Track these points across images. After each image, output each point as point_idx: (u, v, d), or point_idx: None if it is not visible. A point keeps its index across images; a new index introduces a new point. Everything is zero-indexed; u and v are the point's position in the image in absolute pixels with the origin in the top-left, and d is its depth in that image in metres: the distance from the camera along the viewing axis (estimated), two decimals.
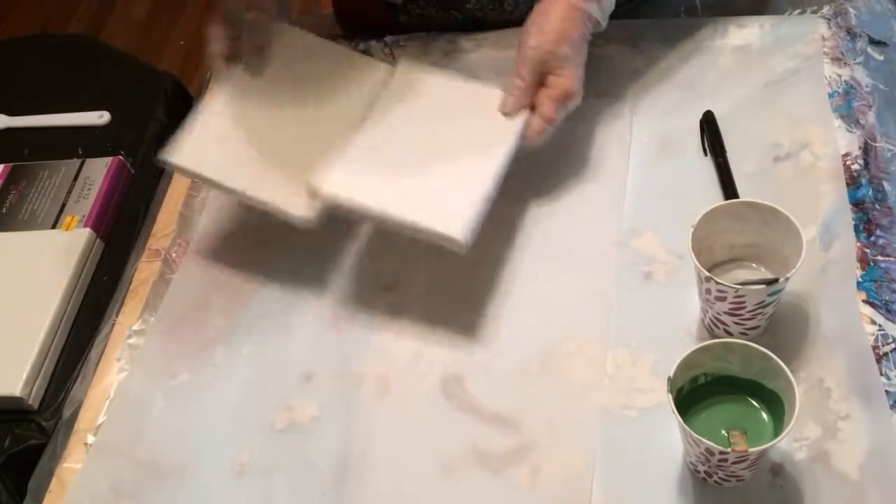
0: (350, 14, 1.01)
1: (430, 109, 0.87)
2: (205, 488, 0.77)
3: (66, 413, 0.84)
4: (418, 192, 0.81)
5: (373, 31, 1.05)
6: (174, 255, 0.93)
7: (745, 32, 0.96)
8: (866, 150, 0.85)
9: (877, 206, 0.81)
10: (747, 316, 0.73)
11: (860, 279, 0.77)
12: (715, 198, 0.84)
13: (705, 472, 0.68)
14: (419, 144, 0.84)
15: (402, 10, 1.04)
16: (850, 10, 0.95)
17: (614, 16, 0.89)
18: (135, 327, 0.88)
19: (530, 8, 0.88)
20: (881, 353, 0.73)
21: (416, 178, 0.82)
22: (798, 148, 0.86)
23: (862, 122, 0.86)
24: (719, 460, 0.65)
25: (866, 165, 0.84)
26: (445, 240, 0.78)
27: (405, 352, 0.82)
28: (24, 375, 0.89)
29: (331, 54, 0.92)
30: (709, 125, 0.89)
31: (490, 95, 0.87)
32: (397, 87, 0.89)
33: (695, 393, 0.69)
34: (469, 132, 0.85)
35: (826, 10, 0.96)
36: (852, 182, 0.83)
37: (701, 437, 0.63)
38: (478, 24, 1.02)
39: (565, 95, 0.85)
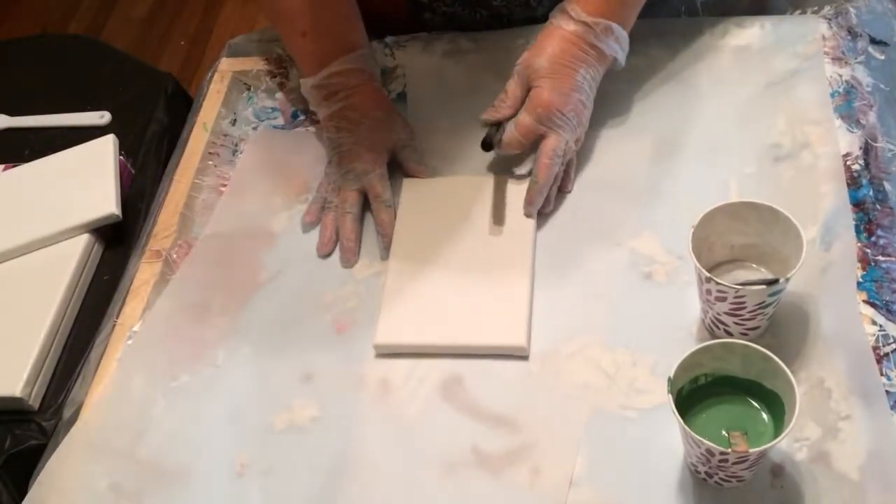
0: (369, 13, 0.99)
1: (446, 218, 0.88)
2: (205, 489, 0.77)
3: (67, 413, 0.84)
4: (466, 313, 0.81)
5: (386, 29, 1.03)
6: (175, 255, 0.92)
7: (745, 32, 0.96)
8: (867, 150, 0.85)
9: (877, 206, 0.81)
10: (748, 316, 0.73)
11: (861, 279, 0.77)
12: (715, 198, 0.84)
13: (706, 472, 0.68)
14: (449, 261, 0.85)
15: (428, 8, 1.03)
16: (851, 9, 0.95)
17: None
18: (135, 328, 0.87)
19: (555, 5, 0.87)
20: (882, 354, 0.73)
21: (459, 300, 0.82)
22: (798, 148, 0.86)
23: (863, 122, 0.86)
24: (720, 461, 0.65)
25: (867, 165, 0.84)
26: (507, 349, 0.79)
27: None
28: (25, 376, 0.89)
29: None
30: None
31: (496, 183, 0.89)
32: (407, 204, 0.90)
33: (695, 393, 0.69)
34: (490, 229, 0.86)
35: (827, 10, 0.96)
36: (853, 182, 0.83)
37: (701, 438, 0.63)
38: (503, 22, 1.01)
39: (537, 104, 0.85)
